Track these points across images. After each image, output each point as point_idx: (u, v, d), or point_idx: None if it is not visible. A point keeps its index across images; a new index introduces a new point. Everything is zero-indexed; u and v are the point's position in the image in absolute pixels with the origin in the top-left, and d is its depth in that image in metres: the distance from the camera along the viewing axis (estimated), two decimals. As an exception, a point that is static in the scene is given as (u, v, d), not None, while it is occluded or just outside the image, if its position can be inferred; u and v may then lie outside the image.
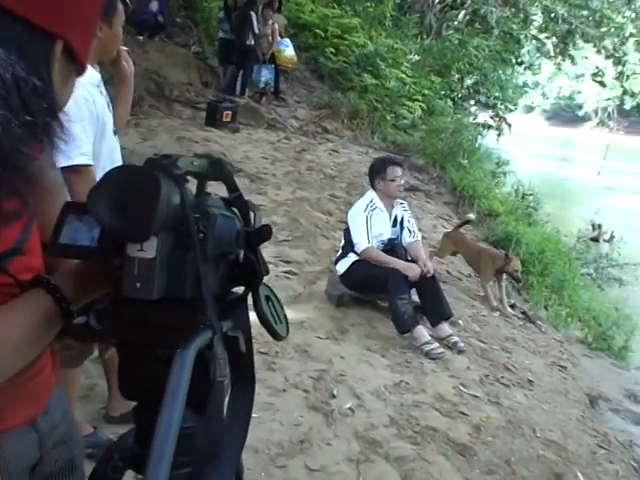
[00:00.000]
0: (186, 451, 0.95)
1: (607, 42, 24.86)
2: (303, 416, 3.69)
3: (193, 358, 0.91)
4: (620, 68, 24.75)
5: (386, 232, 5.29)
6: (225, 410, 1.02)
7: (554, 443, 4.16)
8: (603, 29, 24.75)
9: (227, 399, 1.03)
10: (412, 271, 5.01)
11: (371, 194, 5.37)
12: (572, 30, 24.55)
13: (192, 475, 0.99)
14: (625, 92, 26.60)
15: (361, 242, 5.13)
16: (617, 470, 4.24)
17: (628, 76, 25.54)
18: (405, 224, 5.41)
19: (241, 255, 1.06)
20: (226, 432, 1.01)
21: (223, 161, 1.14)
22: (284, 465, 3.25)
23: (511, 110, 22.62)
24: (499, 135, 20.74)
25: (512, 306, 7.12)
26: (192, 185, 1.11)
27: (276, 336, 1.10)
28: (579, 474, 3.91)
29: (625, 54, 25.09)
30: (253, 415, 3.51)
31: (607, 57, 25.59)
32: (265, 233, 1.07)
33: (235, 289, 1.11)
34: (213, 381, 0.94)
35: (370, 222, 5.16)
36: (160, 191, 0.91)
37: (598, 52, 26.26)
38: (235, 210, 1.11)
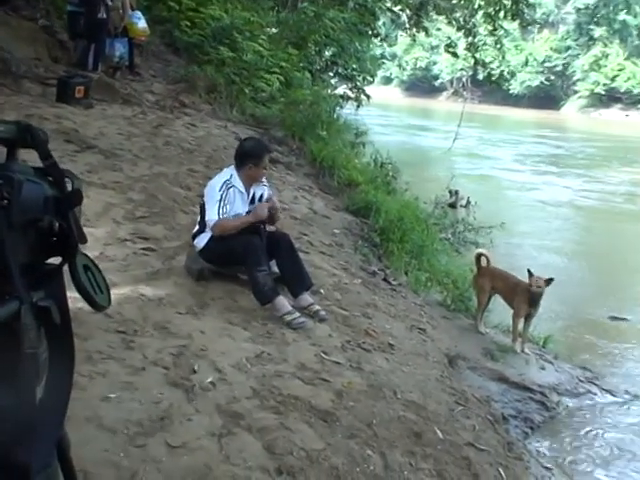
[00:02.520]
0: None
1: (458, 14, 25.62)
2: (163, 393, 3.63)
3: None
4: (471, 39, 25.53)
5: (243, 208, 5.24)
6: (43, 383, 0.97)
7: (414, 403, 4.28)
8: (454, 1, 25.48)
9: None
10: (262, 212, 5.05)
11: (230, 171, 5.25)
12: (425, 2, 25.15)
13: (3, 456, 0.93)
14: (477, 63, 27.46)
15: (210, 219, 5.07)
16: (474, 425, 4.43)
17: (478, 47, 26.39)
18: (264, 199, 5.38)
19: (56, 224, 1.01)
20: (43, 406, 0.97)
21: (34, 127, 1.07)
22: (143, 444, 3.19)
23: (369, 82, 22.97)
24: (358, 106, 21.05)
25: (373, 273, 7.29)
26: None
27: (95, 306, 1.06)
28: (437, 431, 4.04)
29: (475, 26, 25.91)
30: (110, 395, 3.39)
31: (459, 29, 26.35)
32: (75, 198, 1.02)
33: (53, 259, 1.06)
34: (22, 353, 0.89)
35: (225, 199, 5.07)
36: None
37: (450, 24, 27.01)
38: (48, 178, 1.06)
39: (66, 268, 1.04)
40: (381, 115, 40.47)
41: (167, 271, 5.28)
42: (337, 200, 9.64)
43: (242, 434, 3.44)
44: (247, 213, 5.24)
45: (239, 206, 5.20)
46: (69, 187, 1.06)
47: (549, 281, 6.62)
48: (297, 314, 4.89)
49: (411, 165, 20.89)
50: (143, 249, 5.56)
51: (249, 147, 5.41)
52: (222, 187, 5.09)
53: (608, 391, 6.77)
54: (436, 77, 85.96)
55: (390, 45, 53.79)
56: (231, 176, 5.19)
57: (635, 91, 69.59)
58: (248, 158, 5.24)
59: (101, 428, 3.23)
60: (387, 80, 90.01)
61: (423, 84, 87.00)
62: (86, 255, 1.06)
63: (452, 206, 15.53)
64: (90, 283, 1.04)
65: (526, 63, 79.88)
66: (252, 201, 5.30)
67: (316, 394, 4.01)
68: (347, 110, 20.19)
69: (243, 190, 5.23)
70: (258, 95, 13.11)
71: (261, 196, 5.35)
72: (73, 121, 8.90)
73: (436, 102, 76.25)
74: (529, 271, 6.71)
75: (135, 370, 3.81)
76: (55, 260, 1.05)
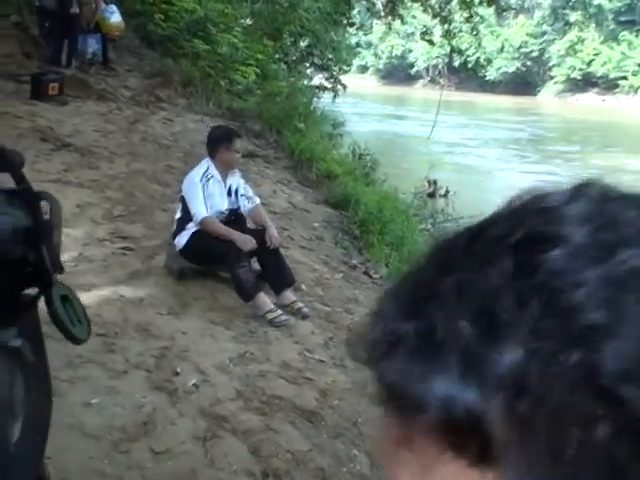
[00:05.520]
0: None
1: (433, 1, 25.57)
2: (146, 397, 3.61)
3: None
4: (446, 27, 25.50)
5: (223, 202, 5.22)
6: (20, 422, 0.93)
7: (398, 398, 4.27)
8: (430, -12, 25.44)
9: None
10: (247, 245, 4.98)
11: (207, 162, 5.26)
12: (399, -10, 25.12)
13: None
14: (453, 50, 27.46)
15: (199, 212, 5.04)
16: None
17: (454, 34, 26.37)
18: (241, 192, 5.36)
19: (31, 254, 0.97)
20: (20, 447, 0.93)
21: (8, 151, 1.03)
22: (127, 450, 3.17)
23: (345, 71, 22.97)
24: (335, 96, 21.02)
25: (354, 266, 7.28)
26: None
27: (73, 339, 1.02)
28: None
29: (451, 13, 25.87)
30: (93, 401, 3.34)
31: (434, 16, 26.30)
32: (47, 229, 0.98)
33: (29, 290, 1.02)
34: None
35: (207, 191, 5.07)
36: None
37: (425, 11, 26.96)
38: (19, 205, 1.01)
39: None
40: (358, 104, 40.45)
41: (147, 271, 5.24)
42: (316, 193, 9.59)
43: (227, 437, 3.42)
44: (227, 210, 5.23)
45: (218, 199, 5.19)
46: (51, 204, 1.02)
47: None
48: (279, 312, 4.87)
49: (389, 155, 20.91)
50: (122, 249, 5.51)
51: (218, 133, 5.49)
52: (202, 179, 5.10)
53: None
54: (412, 65, 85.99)
55: (365, 34, 53.78)
56: (208, 167, 5.21)
57: (611, 76, 69.96)
58: (219, 143, 5.28)
59: (84, 435, 3.20)
60: (363, 69, 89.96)
61: (399, 72, 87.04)
62: (64, 285, 1.02)
63: (431, 196, 15.55)
64: (68, 314, 1.00)
65: (502, 49, 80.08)
66: (229, 193, 5.28)
67: (300, 393, 4.00)
68: (325, 100, 20.18)
69: (220, 179, 5.24)
70: (234, 88, 13.03)
71: (237, 189, 5.35)
72: (48, 119, 8.79)
73: (412, 90, 76.34)
74: None
75: (117, 374, 3.78)
76: (32, 291, 1.01)
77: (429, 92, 59.37)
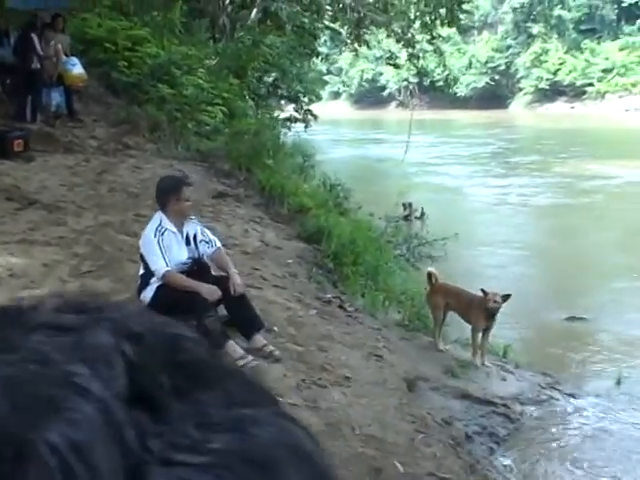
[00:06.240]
0: None
1: (395, 26, 25.86)
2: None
3: None
4: (410, 50, 25.80)
5: (182, 253, 5.22)
6: None
7: (373, 437, 4.28)
8: (392, 14, 25.71)
9: None
10: (213, 295, 4.98)
11: (159, 216, 5.21)
12: (362, 18, 25.37)
13: None
14: (419, 72, 27.79)
15: (159, 267, 5.02)
16: (435, 452, 4.44)
17: (419, 57, 26.68)
18: (199, 237, 5.35)
19: None
20: None
21: None
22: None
23: (313, 101, 23.21)
24: (306, 127, 21.21)
25: (328, 301, 7.29)
26: None
27: None
28: (398, 464, 4.05)
29: (413, 36, 26.16)
30: None
31: (398, 40, 26.59)
32: None
33: None
34: None
35: (163, 245, 5.05)
36: None
37: (389, 36, 27.26)
38: None
39: None
40: (332, 131, 40.69)
41: (116, 327, 5.21)
42: (289, 228, 9.62)
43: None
44: (188, 259, 5.24)
45: (177, 250, 5.17)
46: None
47: (506, 297, 6.68)
48: (249, 357, 4.87)
49: (365, 180, 21.04)
50: (90, 306, 5.49)
51: (165, 184, 5.44)
52: (156, 234, 5.06)
53: (570, 395, 6.84)
54: (383, 88, 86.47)
55: (331, 63, 54.21)
56: (161, 220, 5.17)
57: (578, 83, 70.71)
58: (167, 194, 5.23)
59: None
60: (335, 95, 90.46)
61: (371, 96, 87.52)
62: None
63: (407, 219, 15.64)
64: None
65: (470, 65, 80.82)
66: (187, 242, 5.28)
67: (272, 440, 3.98)
68: (297, 130, 20.34)
69: (175, 230, 5.20)
70: (202, 129, 13.09)
71: (195, 236, 5.33)
72: (14, 177, 8.80)
73: (385, 112, 76.79)
74: (483, 290, 6.75)
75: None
76: None
77: (402, 113, 59.65)
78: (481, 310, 6.68)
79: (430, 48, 27.80)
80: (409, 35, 25.94)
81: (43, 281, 5.82)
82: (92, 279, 6.04)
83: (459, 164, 28.44)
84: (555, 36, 75.57)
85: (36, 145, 10.50)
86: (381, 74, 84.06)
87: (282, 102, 22.14)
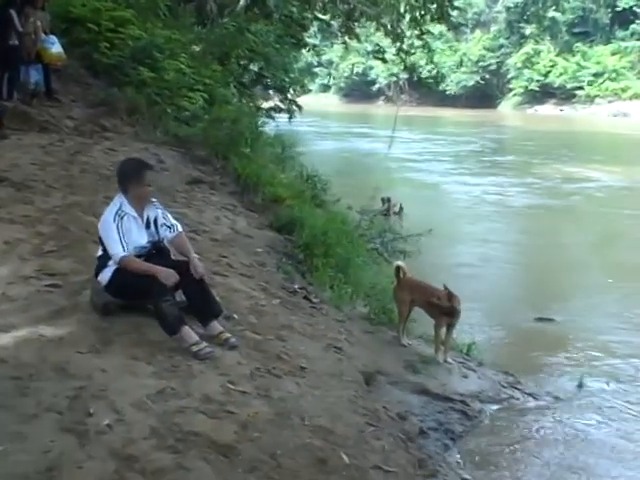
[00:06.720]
0: None
1: (385, 20, 25.79)
2: (54, 441, 3.53)
3: None
4: (399, 44, 25.74)
5: (142, 236, 5.15)
6: None
7: (322, 428, 4.24)
8: (380, 7, 25.64)
9: None
10: (170, 279, 4.91)
11: (119, 199, 5.12)
12: (352, 10, 25.27)
13: None
14: (406, 67, 27.74)
15: (116, 252, 4.95)
16: (384, 446, 4.40)
17: (407, 52, 26.64)
18: (160, 221, 5.27)
19: None
20: None
21: None
22: (29, 498, 3.11)
23: (305, 91, 23.14)
24: (290, 118, 21.13)
25: (294, 292, 7.25)
26: None
27: None
28: (343, 456, 4.01)
29: (403, 31, 26.10)
30: None
31: (387, 34, 26.52)
32: None
33: None
34: None
35: (122, 229, 4.98)
36: None
37: (378, 30, 27.20)
38: None
39: None
40: (319, 123, 40.62)
41: (72, 308, 5.15)
42: (262, 217, 9.56)
43: (135, 478, 3.37)
44: (148, 243, 5.18)
45: (136, 234, 5.09)
46: None
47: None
48: (204, 344, 4.82)
49: (346, 173, 21.06)
50: (48, 286, 5.42)
51: (127, 168, 5.31)
52: (115, 218, 4.98)
53: (530, 395, 6.84)
54: (373, 82, 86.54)
55: (319, 55, 54.04)
56: (121, 204, 5.08)
57: (568, 86, 71.01)
58: (128, 178, 5.15)
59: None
60: (325, 88, 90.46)
61: (361, 90, 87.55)
62: None
63: (386, 214, 15.62)
64: None
65: (461, 63, 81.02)
66: (147, 225, 5.21)
67: (218, 428, 3.95)
68: (282, 120, 20.25)
69: (136, 215, 5.12)
70: (182, 114, 12.97)
71: (155, 219, 5.26)
72: (-15, 154, 8.71)
73: (374, 107, 76.82)
74: (445, 287, 6.74)
75: (26, 418, 3.70)
76: None
77: (390, 109, 59.77)
78: (444, 307, 6.67)
79: (419, 44, 27.78)
80: (398, 30, 25.90)
81: (2, 259, 5.75)
82: (54, 259, 5.96)
83: (440, 161, 28.50)
84: (547, 38, 75.80)
85: (11, 123, 10.39)
86: (371, 68, 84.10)
87: (270, 92, 22.01)
